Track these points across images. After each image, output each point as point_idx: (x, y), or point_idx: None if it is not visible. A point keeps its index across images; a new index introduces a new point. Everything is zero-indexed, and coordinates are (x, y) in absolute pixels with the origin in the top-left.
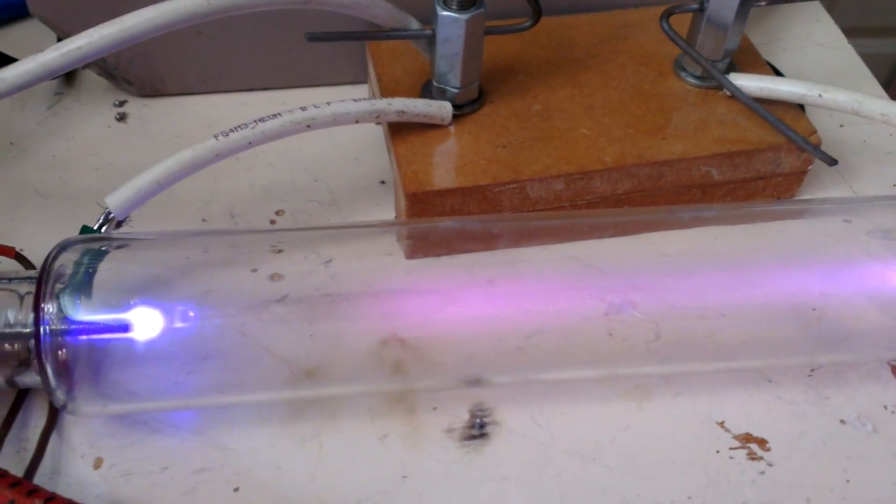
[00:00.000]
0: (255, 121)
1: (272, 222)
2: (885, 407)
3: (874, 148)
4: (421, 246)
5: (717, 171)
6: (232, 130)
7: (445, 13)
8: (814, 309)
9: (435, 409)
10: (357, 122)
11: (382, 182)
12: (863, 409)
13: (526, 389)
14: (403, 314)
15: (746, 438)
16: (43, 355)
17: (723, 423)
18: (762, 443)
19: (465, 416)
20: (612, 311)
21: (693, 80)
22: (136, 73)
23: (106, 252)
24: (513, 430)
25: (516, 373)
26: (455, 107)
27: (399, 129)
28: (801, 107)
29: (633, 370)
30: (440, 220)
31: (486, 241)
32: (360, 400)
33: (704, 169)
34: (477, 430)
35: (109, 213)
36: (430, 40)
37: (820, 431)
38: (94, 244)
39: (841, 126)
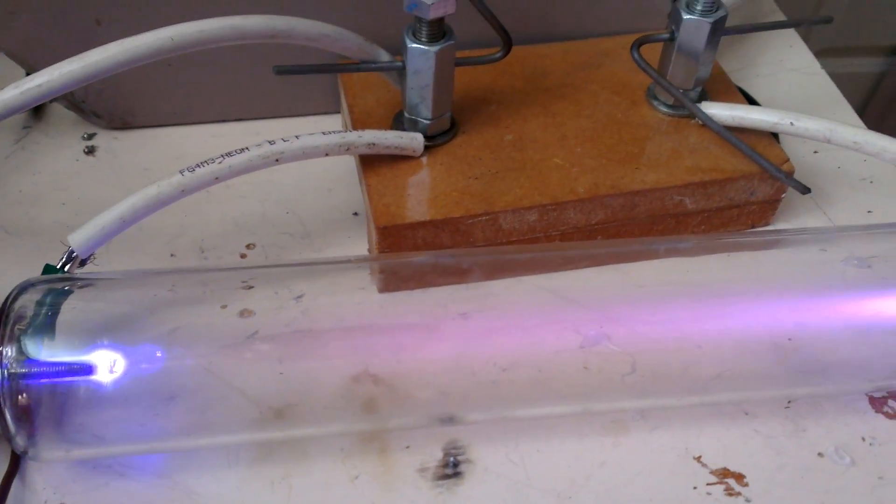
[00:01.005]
0: (223, 155)
1: (243, 256)
2: (863, 439)
3: (848, 174)
4: (393, 280)
5: (690, 201)
6: (199, 165)
7: (414, 45)
8: (790, 339)
9: (408, 447)
10: (327, 154)
11: (355, 214)
12: (841, 441)
13: (500, 426)
14: (376, 350)
15: (724, 473)
16: (1, 400)
17: (699, 457)
18: (739, 477)
19: (439, 455)
20: (587, 343)
21: (665, 109)
22: (105, 106)
23: (69, 292)
24: (487, 468)
25: (491, 409)
26: (427, 138)
27: (371, 161)
28: (775, 134)
29: (610, 404)
30: (413, 254)
31: (460, 274)
32: (331, 440)
33: (678, 198)
34: (451, 468)
35: (73, 251)
36: (401, 72)
37: (798, 465)
38: (57, 284)
39: (815, 152)
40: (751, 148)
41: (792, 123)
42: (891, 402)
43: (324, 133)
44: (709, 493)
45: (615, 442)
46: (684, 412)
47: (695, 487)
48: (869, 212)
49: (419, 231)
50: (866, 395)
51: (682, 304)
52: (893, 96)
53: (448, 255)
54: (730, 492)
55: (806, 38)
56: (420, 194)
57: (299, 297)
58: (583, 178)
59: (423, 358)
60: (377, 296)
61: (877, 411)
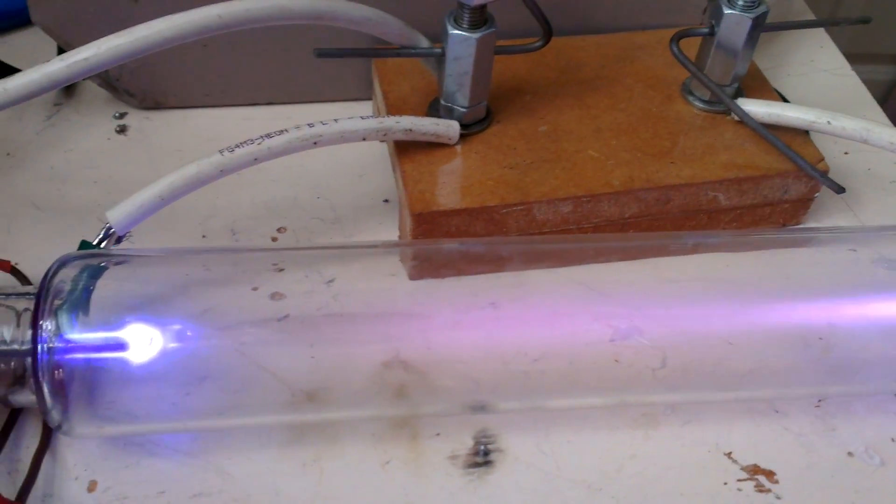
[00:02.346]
0: (262, 136)
1: (274, 239)
2: (893, 440)
3: (879, 176)
4: (425, 267)
5: (724, 197)
6: (238, 146)
7: (456, 32)
8: (821, 338)
9: (438, 434)
10: (364, 139)
11: (386, 201)
12: (870, 441)
13: (531, 416)
14: (407, 337)
15: (754, 470)
16: (39, 374)
17: (730, 453)
18: (770, 475)
19: (470, 443)
20: (618, 336)
21: (700, 105)
22: (138, 85)
23: (105, 268)
24: (518, 458)
25: (521, 399)
26: (462, 126)
27: (405, 148)
28: (807, 133)
29: (640, 398)
30: (445, 241)
31: (492, 263)
32: (362, 424)
33: (712, 194)
34: (481, 457)
35: (110, 227)
36: (440, 59)
37: (828, 463)
38: (94, 260)
39: (845, 153)
40: (787, 146)
41: (829, 122)
42: None
43: (362, 118)
44: (739, 490)
45: (646, 435)
46: (715, 408)
47: (725, 483)
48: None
49: (453, 219)
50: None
51: (714, 299)
52: None
53: (479, 243)
54: (760, 488)
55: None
56: (454, 182)
57: (330, 281)
58: (618, 171)
59: (453, 346)
60: (408, 283)
61: None
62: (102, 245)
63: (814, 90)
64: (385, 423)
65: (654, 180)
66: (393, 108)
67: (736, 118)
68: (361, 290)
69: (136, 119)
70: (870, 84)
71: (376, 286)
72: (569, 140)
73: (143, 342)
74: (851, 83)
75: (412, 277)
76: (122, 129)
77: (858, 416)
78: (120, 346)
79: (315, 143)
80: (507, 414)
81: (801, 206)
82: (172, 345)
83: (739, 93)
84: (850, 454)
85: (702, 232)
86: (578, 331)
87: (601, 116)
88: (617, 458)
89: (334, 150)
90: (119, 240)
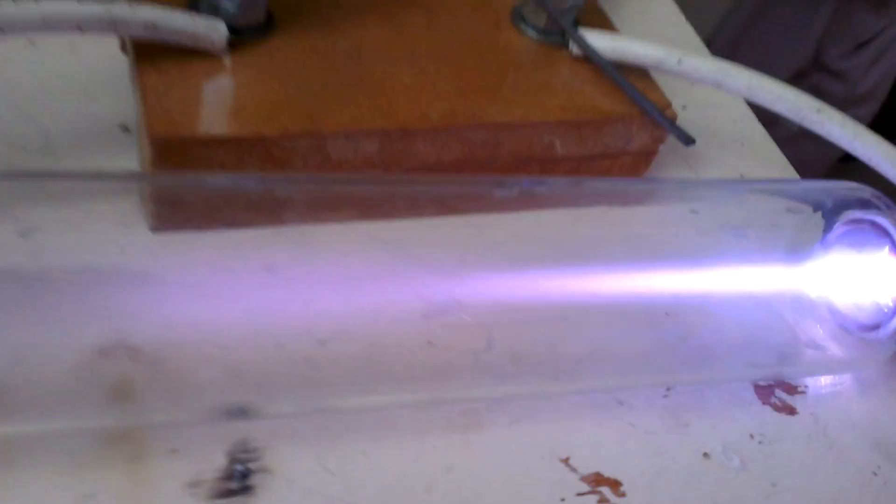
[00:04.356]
0: None
1: None
2: (752, 436)
3: (719, 134)
4: (173, 213)
5: (560, 143)
6: None
7: None
8: (667, 314)
9: (174, 451)
10: (82, 31)
11: (124, 129)
12: (728, 439)
13: (312, 422)
14: (138, 312)
15: (596, 480)
16: None
17: (568, 459)
18: (615, 485)
19: (221, 462)
20: (432, 312)
21: (534, 35)
22: None
23: None
24: (291, 479)
25: (300, 398)
26: (233, 31)
27: (150, 54)
28: (649, 76)
29: (459, 391)
30: (204, 175)
31: (268, 210)
32: (54, 441)
33: (547, 139)
34: (237, 482)
35: None
36: None
37: (681, 468)
38: None
39: (683, 108)
40: (633, 86)
41: (679, 62)
42: (778, 393)
43: (79, 0)
44: None
45: (465, 441)
46: (549, 402)
47: (563, 499)
48: (741, 175)
49: (216, 151)
50: (751, 383)
51: (548, 266)
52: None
53: (252, 178)
54: (604, 503)
55: None
56: (219, 103)
57: (28, 231)
58: (437, 104)
59: (205, 324)
60: (148, 236)
61: (764, 403)
62: None
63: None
64: (91, 438)
65: (481, 117)
66: None
67: (574, 53)
68: (74, 245)
69: None
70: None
71: (97, 239)
72: (376, 62)
73: None
74: (686, 32)
75: (154, 228)
76: None
77: (712, 409)
78: None
79: (1, 30)
80: (277, 420)
81: (643, 161)
82: None
83: (576, 24)
84: (706, 455)
85: (529, 177)
86: (381, 304)
87: (417, 39)
88: (428, 473)
89: (50, 55)
90: None
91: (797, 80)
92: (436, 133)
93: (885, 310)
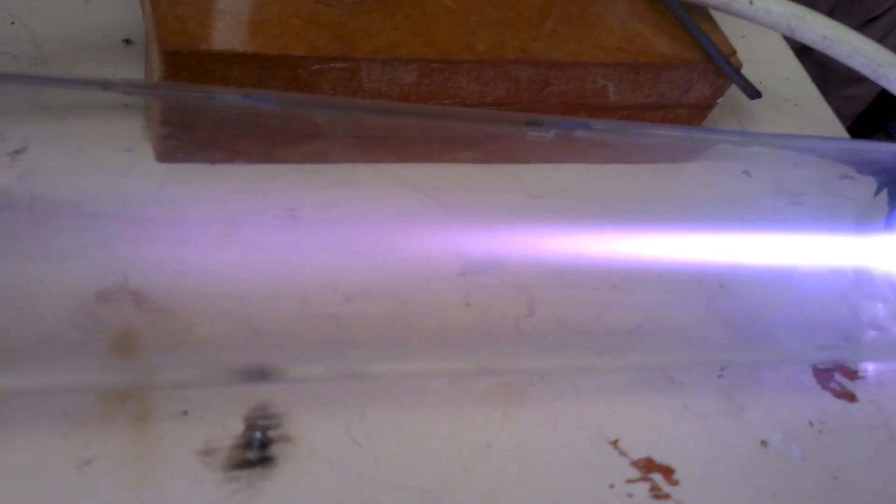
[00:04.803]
0: None
1: None
2: (811, 424)
3: (772, 93)
4: (183, 139)
5: (614, 88)
6: None
7: None
8: (722, 286)
9: (185, 413)
10: None
11: (127, 41)
12: (786, 425)
13: (338, 387)
14: (143, 254)
15: (648, 466)
16: None
17: (616, 441)
18: (668, 472)
19: (238, 428)
20: (470, 270)
21: None
22: None
23: None
24: (315, 451)
25: (325, 359)
26: None
27: None
28: (713, 19)
29: (499, 360)
30: (219, 90)
31: (291, 142)
32: (50, 398)
33: (601, 82)
34: (256, 451)
35: None
36: None
37: (737, 455)
38: None
39: None
40: (699, 27)
41: (752, 1)
42: (837, 377)
43: None
44: (630, 496)
45: (505, 415)
46: (596, 378)
47: (611, 486)
48: (799, 134)
49: (234, 70)
50: (811, 366)
51: (594, 227)
52: None
53: (275, 99)
54: (657, 493)
55: None
56: (241, 14)
57: (18, 151)
58: (483, 34)
59: (220, 272)
60: (154, 165)
61: (823, 388)
62: None
63: None
64: (92, 397)
65: (532, 52)
66: None
67: None
68: (69, 169)
69: None
70: None
71: (95, 165)
72: None
73: None
74: None
75: (161, 157)
76: None
77: (768, 392)
78: None
79: None
80: (300, 384)
81: (697, 115)
82: None
83: None
84: (763, 443)
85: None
86: (415, 258)
87: None
88: (464, 451)
89: None
90: None
91: (804, 53)
92: (481, 66)
93: None
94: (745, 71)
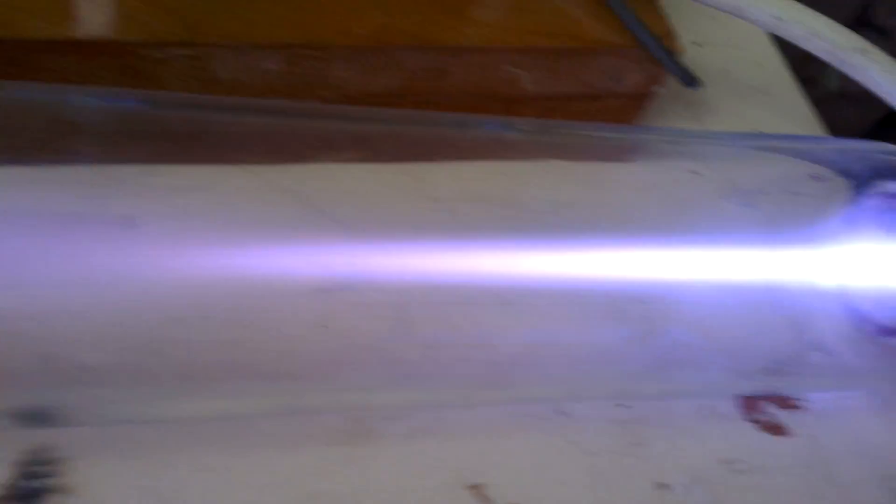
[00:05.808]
0: None
1: None
2: (726, 462)
3: (737, 80)
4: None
5: (529, 78)
6: None
7: None
8: (641, 302)
9: None
10: None
11: None
12: (693, 464)
13: (146, 429)
14: None
15: None
16: None
17: (480, 486)
18: None
19: (4, 475)
20: (333, 286)
21: None
22: None
23: None
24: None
25: (133, 395)
26: None
27: None
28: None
29: (350, 394)
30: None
31: (125, 143)
32: None
33: (512, 71)
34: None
35: None
36: None
37: (628, 502)
38: None
39: (697, 45)
40: (624, 6)
41: None
42: (765, 407)
43: None
44: None
45: (348, 456)
46: (470, 411)
47: None
48: (758, 132)
49: (56, 60)
50: (736, 397)
51: (492, 232)
52: None
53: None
54: None
55: None
56: None
57: None
58: (367, 15)
59: (19, 292)
60: None
61: (745, 419)
62: None
63: None
64: None
65: (423, 36)
66: None
67: None
68: None
69: None
70: None
71: None
72: None
73: None
74: None
75: None
76: None
77: (677, 424)
78: None
79: None
80: (88, 428)
81: (634, 106)
82: None
83: None
84: (661, 486)
85: (488, 118)
86: (267, 270)
87: None
88: (291, 499)
89: None
90: None
91: None
92: (360, 54)
93: None
94: (712, 56)
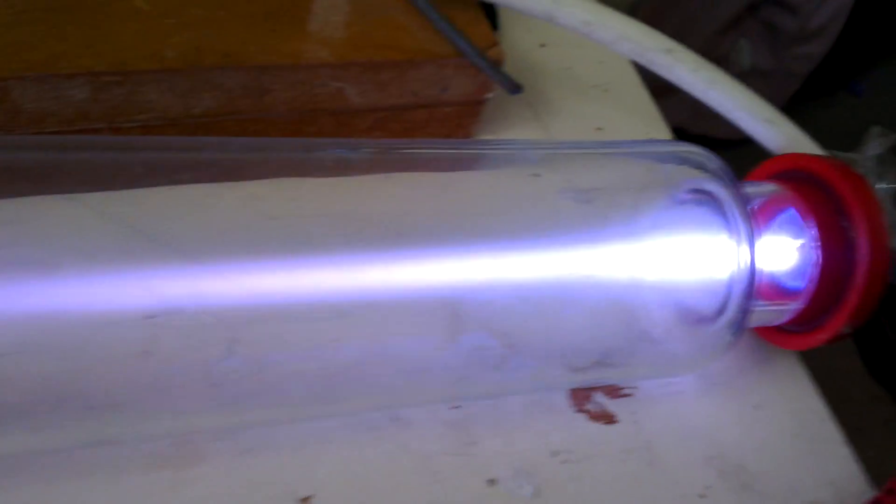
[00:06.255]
0: None
1: None
2: (555, 454)
3: (578, 78)
4: None
5: (355, 91)
6: None
7: None
8: (460, 304)
9: None
10: None
11: None
12: (523, 458)
13: None
14: None
15: None
16: None
17: (309, 499)
18: None
19: None
20: (160, 310)
21: None
22: None
23: None
24: None
25: None
26: None
27: None
28: (481, 8)
29: (177, 420)
30: None
31: None
32: None
33: (335, 85)
34: None
35: None
36: None
37: (458, 500)
38: None
39: (542, 46)
40: (445, 19)
41: None
42: (596, 397)
43: None
44: None
45: (174, 480)
46: (300, 426)
47: None
48: (599, 129)
49: None
50: (568, 390)
51: (330, 244)
52: None
53: None
54: None
55: None
56: None
57: None
58: (177, 38)
59: None
60: None
61: (578, 410)
62: None
63: None
64: None
65: (237, 56)
66: None
67: None
68: None
69: None
70: None
71: None
72: None
73: None
74: None
75: None
76: None
77: (509, 420)
78: None
79: None
80: None
81: (468, 113)
82: None
83: None
84: (491, 482)
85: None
86: (88, 299)
87: None
88: None
89: None
90: None
91: (747, 12)
92: (172, 77)
93: (722, 298)
94: (555, 56)
